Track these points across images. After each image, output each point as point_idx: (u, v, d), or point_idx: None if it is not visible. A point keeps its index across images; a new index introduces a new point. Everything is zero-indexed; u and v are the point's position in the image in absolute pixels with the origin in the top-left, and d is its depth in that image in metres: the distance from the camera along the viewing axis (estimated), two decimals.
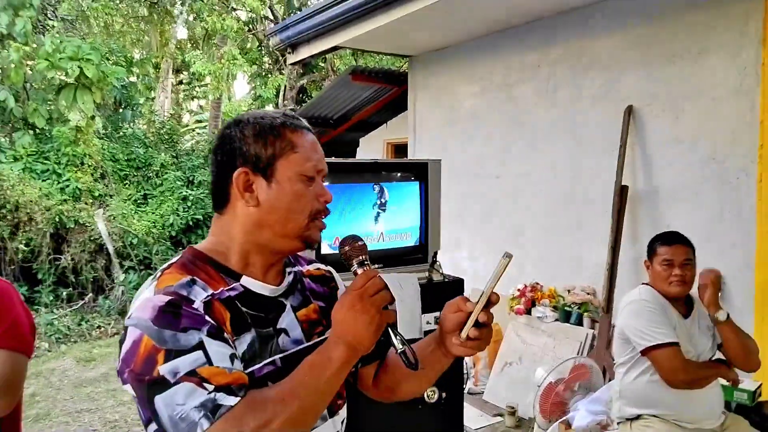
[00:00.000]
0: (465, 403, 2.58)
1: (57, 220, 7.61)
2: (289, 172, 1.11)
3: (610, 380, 3.42)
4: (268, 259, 1.15)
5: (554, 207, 4.48)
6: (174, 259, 1.13)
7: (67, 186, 8.19)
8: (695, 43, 3.62)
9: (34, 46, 8.28)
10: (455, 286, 2.38)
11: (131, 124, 10.98)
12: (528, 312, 4.38)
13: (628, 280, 3.84)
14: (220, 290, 1.07)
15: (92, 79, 8.27)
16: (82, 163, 8.49)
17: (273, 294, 1.15)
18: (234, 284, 1.10)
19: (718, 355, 2.55)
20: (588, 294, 4.11)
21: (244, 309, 1.08)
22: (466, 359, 4.19)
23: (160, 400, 0.95)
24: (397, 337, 1.05)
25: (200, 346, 0.97)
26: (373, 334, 1.01)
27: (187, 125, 16.53)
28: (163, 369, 0.95)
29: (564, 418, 3.37)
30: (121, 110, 10.66)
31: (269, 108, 12.31)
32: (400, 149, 7.34)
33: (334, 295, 1.29)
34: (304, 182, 1.12)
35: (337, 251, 1.15)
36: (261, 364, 1.06)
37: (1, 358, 1.47)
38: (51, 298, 7.45)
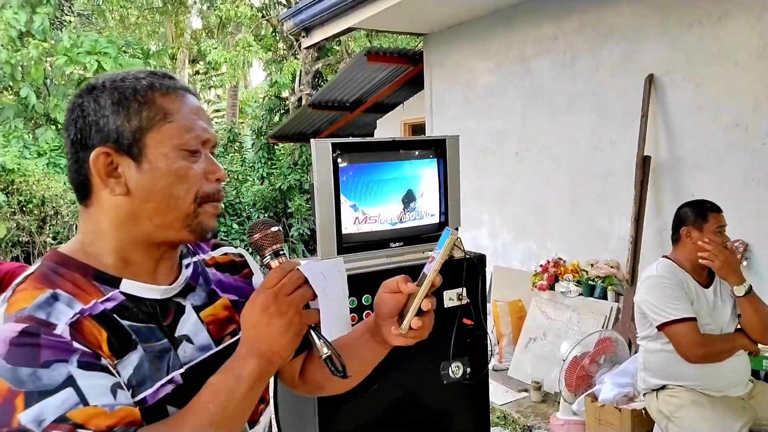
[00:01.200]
0: (490, 380, 2.59)
1: None
2: (163, 147, 0.88)
3: (635, 353, 3.41)
4: (152, 254, 0.93)
5: (575, 180, 4.44)
6: (31, 269, 0.89)
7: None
8: (716, 7, 3.52)
9: (53, 42, 8.38)
10: (477, 262, 2.38)
11: None
12: (551, 287, 4.36)
13: (653, 251, 3.80)
14: (92, 303, 0.85)
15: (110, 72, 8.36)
16: None
17: (165, 295, 0.94)
18: (111, 293, 0.88)
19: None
20: (612, 267, 4.07)
21: (125, 323, 0.87)
22: (490, 335, 4.19)
23: None
24: (321, 339, 0.89)
25: (69, 382, 0.76)
26: (291, 341, 0.85)
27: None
28: (25, 418, 0.73)
29: (590, 391, 3.37)
30: None
31: (285, 94, 12.33)
32: (418, 129, 7.31)
33: (250, 284, 1.10)
34: (185, 158, 0.89)
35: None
36: (155, 387, 0.86)
37: None
38: None
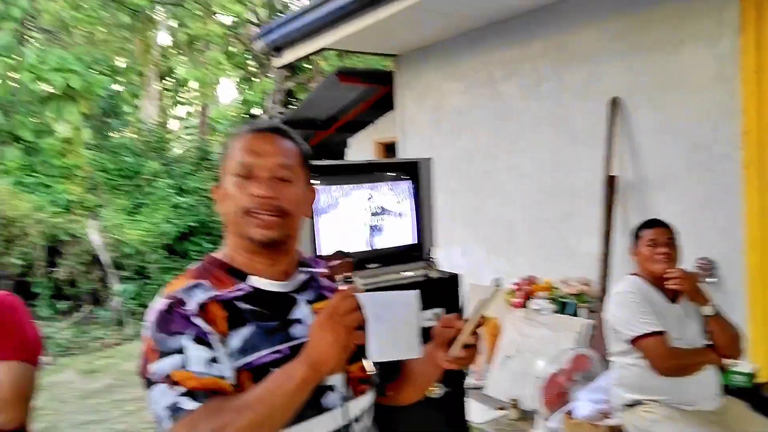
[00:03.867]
0: (468, 398, 2.62)
1: (50, 233, 7.61)
2: (225, 174, 1.20)
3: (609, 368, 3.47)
4: (255, 254, 1.19)
5: (543, 199, 4.53)
6: (193, 265, 1.23)
7: (59, 198, 8.17)
8: (673, 33, 3.66)
9: (18, 58, 8.24)
10: (452, 281, 2.42)
11: (119, 134, 10.97)
12: (525, 305, 4.43)
13: (622, 268, 3.87)
14: (224, 292, 1.14)
15: (78, 89, 8.25)
16: (73, 175, 8.48)
17: (282, 289, 1.21)
18: (241, 285, 1.17)
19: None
20: (583, 284, 4.15)
21: (245, 306, 1.14)
22: None
23: (148, 397, 1.06)
24: (366, 359, 1.07)
25: (181, 349, 1.05)
26: (337, 355, 1.02)
27: (174, 132, 16.47)
28: (152, 368, 1.05)
29: (566, 408, 3.41)
30: (108, 120, 10.63)
31: (256, 111, 12.30)
32: (390, 148, 7.35)
33: None
34: (236, 183, 1.17)
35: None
36: (261, 354, 1.11)
37: (15, 370, 1.50)
38: (49, 311, 7.44)
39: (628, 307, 2.52)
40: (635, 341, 2.47)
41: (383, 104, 6.84)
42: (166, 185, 9.13)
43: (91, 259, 7.88)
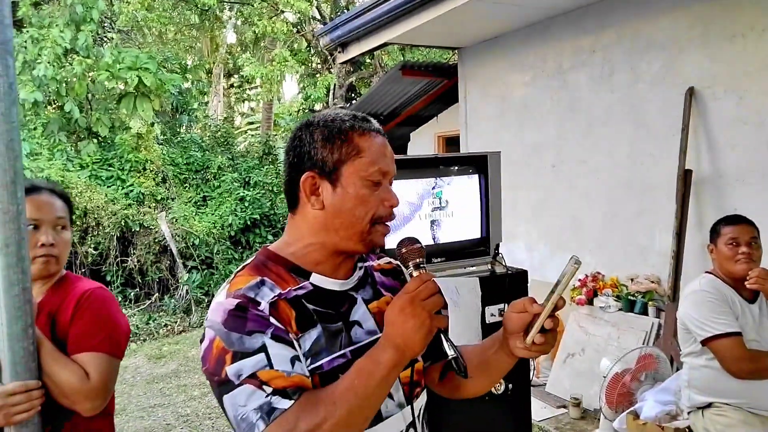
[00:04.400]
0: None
1: (123, 223, 7.95)
2: (354, 176, 1.11)
3: (677, 369, 3.35)
4: (335, 258, 1.16)
5: (614, 194, 4.39)
6: (249, 261, 1.16)
7: (131, 191, 8.53)
8: (759, 19, 3.47)
9: (95, 58, 8.63)
10: (519, 277, 2.37)
11: (188, 129, 11.34)
12: (590, 302, 4.32)
13: (695, 267, 3.74)
14: (287, 290, 1.09)
15: (150, 87, 8.58)
16: (144, 169, 8.83)
17: (343, 288, 1.17)
18: (303, 283, 1.12)
19: None
20: (652, 282, 4.01)
21: (311, 306, 1.10)
22: None
23: (227, 400, 1.01)
24: (448, 342, 1.04)
25: (263, 349, 1.01)
26: (422, 339, 1.00)
27: (239, 127, 16.92)
28: (230, 370, 1.00)
29: (631, 408, 3.32)
30: (177, 116, 11.01)
31: (318, 107, 12.47)
32: (451, 142, 7.32)
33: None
34: (368, 187, 1.12)
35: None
36: (330, 357, 1.08)
37: (103, 363, 1.58)
38: (120, 299, 7.78)
39: (704, 306, 2.42)
40: (709, 342, 2.37)
41: (446, 98, 6.82)
42: (231, 179, 9.36)
43: (160, 249, 8.20)
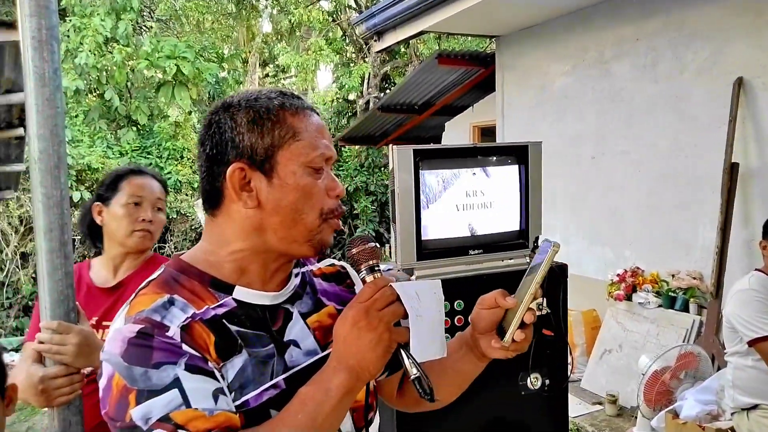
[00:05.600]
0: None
1: None
2: (292, 164, 0.92)
3: (719, 368, 3.26)
4: (268, 266, 0.96)
5: (655, 187, 4.28)
6: (155, 274, 0.95)
7: (169, 179, 8.69)
8: None
9: (135, 47, 8.78)
10: (559, 271, 2.32)
11: None
12: (628, 298, 4.22)
13: (740, 263, 3.62)
14: (204, 309, 0.89)
15: (188, 76, 8.69)
16: (182, 157, 8.98)
17: (274, 301, 0.97)
18: (224, 299, 0.92)
19: None
20: (694, 279, 3.90)
21: (233, 328, 0.90)
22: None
23: None
24: (410, 359, 0.87)
25: (175, 384, 0.81)
26: (380, 357, 0.84)
27: None
28: (135, 413, 0.79)
29: (671, 407, 3.24)
30: None
31: (352, 96, 12.43)
32: (486, 132, 7.22)
33: (352, 294, 1.09)
34: (311, 175, 0.93)
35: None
36: (258, 391, 0.89)
37: None
38: None
39: (752, 305, 2.35)
40: (756, 342, 2.31)
41: (482, 87, 6.72)
42: None
43: (196, 236, 8.34)
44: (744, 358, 2.44)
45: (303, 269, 1.07)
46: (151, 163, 8.79)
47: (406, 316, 0.87)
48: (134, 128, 9.09)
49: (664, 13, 4.14)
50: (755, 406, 2.44)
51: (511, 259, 2.38)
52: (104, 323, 1.66)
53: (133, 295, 0.91)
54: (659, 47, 4.20)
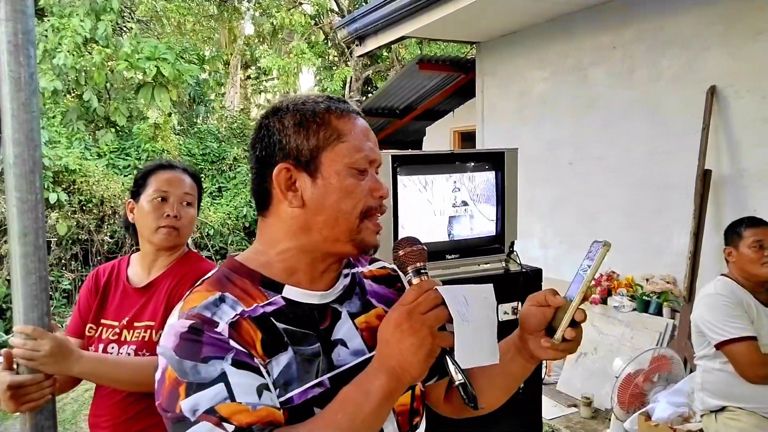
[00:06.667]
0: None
1: None
2: (336, 165, 0.94)
3: (691, 371, 3.32)
4: (317, 265, 0.98)
5: (631, 193, 4.35)
6: (210, 273, 1.00)
7: None
8: None
9: (114, 48, 8.69)
10: (533, 276, 2.36)
11: (204, 120, 11.40)
12: (604, 301, 4.29)
13: (712, 268, 3.69)
14: (253, 306, 0.92)
15: (168, 77, 8.63)
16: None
17: (323, 300, 0.99)
18: (273, 297, 0.95)
19: None
20: (668, 283, 3.97)
21: (281, 325, 0.93)
22: None
23: None
24: (454, 365, 0.86)
25: (222, 378, 0.84)
26: (422, 361, 0.84)
27: (255, 119, 16.96)
28: (184, 405, 0.83)
29: (643, 409, 3.30)
30: (194, 107, 11.07)
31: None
32: (467, 137, 7.28)
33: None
34: (354, 176, 0.95)
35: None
36: (303, 387, 0.91)
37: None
38: None
39: (718, 309, 2.40)
40: (723, 346, 2.36)
41: (463, 92, 6.78)
42: (247, 170, 9.44)
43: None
44: (712, 361, 2.49)
45: (353, 270, 1.08)
46: (129, 165, 8.70)
47: (451, 320, 0.86)
48: (113, 130, 8.99)
49: (640, 21, 4.22)
50: (723, 408, 2.48)
51: (487, 263, 2.42)
52: (135, 324, 1.65)
53: (188, 291, 0.96)
54: (635, 55, 4.28)
